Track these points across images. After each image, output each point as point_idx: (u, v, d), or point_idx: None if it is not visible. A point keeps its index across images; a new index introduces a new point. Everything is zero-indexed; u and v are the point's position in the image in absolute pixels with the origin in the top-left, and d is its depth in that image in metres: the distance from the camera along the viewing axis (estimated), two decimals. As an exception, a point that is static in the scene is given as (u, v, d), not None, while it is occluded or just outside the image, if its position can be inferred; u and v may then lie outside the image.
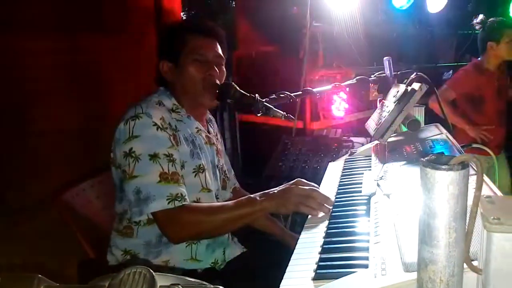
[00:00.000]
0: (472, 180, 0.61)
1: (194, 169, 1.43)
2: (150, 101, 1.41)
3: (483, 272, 0.62)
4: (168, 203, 1.26)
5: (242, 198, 1.34)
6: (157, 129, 1.33)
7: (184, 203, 1.28)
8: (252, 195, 1.33)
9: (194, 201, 1.42)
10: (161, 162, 1.30)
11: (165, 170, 1.29)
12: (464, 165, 0.59)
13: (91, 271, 1.45)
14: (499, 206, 0.63)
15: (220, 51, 1.50)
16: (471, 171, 0.61)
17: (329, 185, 1.54)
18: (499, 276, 0.60)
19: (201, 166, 1.46)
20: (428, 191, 0.60)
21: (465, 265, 0.64)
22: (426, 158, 0.61)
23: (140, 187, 1.28)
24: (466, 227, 0.60)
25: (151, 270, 0.58)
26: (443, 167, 0.58)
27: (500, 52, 2.83)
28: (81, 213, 1.53)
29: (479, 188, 0.60)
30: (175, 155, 1.34)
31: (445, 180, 0.58)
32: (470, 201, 0.62)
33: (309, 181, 1.91)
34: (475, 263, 0.69)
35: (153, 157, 1.29)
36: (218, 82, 1.47)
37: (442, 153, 1.42)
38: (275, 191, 1.31)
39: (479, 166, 0.60)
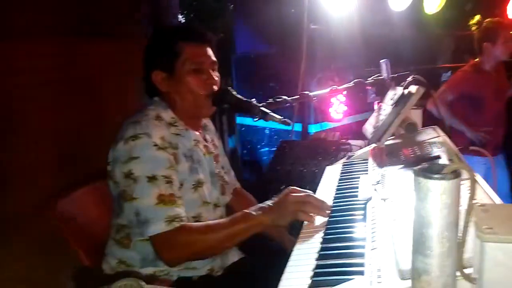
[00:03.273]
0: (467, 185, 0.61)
1: (193, 184, 1.42)
2: (148, 115, 1.38)
3: (477, 281, 0.62)
4: (166, 225, 1.25)
5: (237, 214, 1.33)
6: (157, 150, 1.31)
7: (182, 223, 1.27)
8: (247, 210, 1.31)
9: (195, 217, 1.41)
10: (158, 184, 1.28)
11: (163, 192, 1.28)
12: (456, 174, 0.58)
13: (86, 279, 1.44)
14: (493, 215, 0.62)
15: (213, 56, 1.48)
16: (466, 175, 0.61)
17: (326, 190, 1.54)
18: (493, 285, 0.60)
19: (200, 180, 1.44)
20: (421, 200, 0.59)
21: (458, 274, 0.63)
22: (419, 167, 0.60)
23: (139, 209, 1.27)
24: (460, 236, 0.60)
25: (141, 283, 0.57)
26: (436, 176, 0.57)
27: (496, 53, 2.82)
28: (77, 220, 1.51)
29: (472, 197, 0.59)
30: (173, 176, 1.33)
31: (437, 189, 0.57)
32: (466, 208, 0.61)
33: (307, 184, 1.91)
34: (470, 270, 0.68)
35: (151, 179, 1.28)
36: (216, 88, 1.46)
37: (439, 156, 1.41)
38: (270, 204, 1.29)
39: (472, 175, 0.59)
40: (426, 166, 0.59)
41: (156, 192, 1.27)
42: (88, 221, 1.55)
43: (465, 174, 0.61)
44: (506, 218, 0.63)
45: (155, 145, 1.31)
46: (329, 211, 1.27)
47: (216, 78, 1.47)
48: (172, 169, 1.33)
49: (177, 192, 1.32)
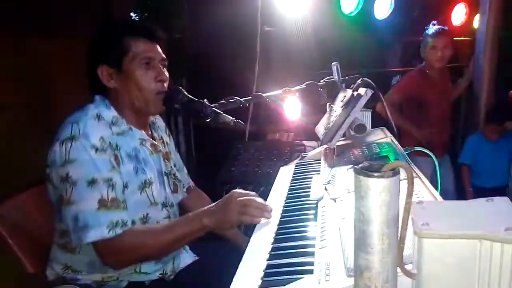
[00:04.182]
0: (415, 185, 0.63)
1: (139, 185, 1.37)
2: (87, 115, 1.31)
3: (416, 276, 0.64)
4: (109, 231, 1.20)
5: (180, 218, 1.34)
6: (95, 152, 1.25)
7: (125, 229, 1.23)
8: (191, 213, 1.31)
9: (142, 218, 1.38)
10: (99, 188, 1.23)
11: (104, 196, 1.22)
12: (395, 172, 0.60)
13: (30, 286, 1.37)
14: (430, 211, 0.65)
15: (163, 54, 1.44)
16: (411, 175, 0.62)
17: (279, 190, 1.55)
18: (430, 280, 0.62)
19: (147, 181, 1.39)
20: (361, 198, 0.60)
21: (399, 270, 0.65)
22: (359, 166, 0.62)
23: (78, 214, 1.21)
24: (399, 233, 0.62)
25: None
26: (375, 174, 0.59)
27: (427, 58, 2.97)
28: (20, 225, 1.43)
29: (409, 194, 0.61)
30: (115, 179, 1.27)
31: (377, 187, 0.59)
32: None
33: (262, 185, 1.92)
34: (410, 266, 0.71)
35: (91, 183, 1.22)
36: (166, 86, 1.43)
37: (386, 156, 1.46)
38: (214, 207, 1.29)
39: (410, 173, 0.61)
40: (366, 165, 0.60)
41: (97, 196, 1.22)
42: (32, 226, 1.47)
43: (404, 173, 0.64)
44: (442, 215, 0.66)
45: (93, 147, 1.25)
46: (271, 212, 1.28)
47: (167, 76, 1.43)
48: (114, 170, 1.28)
49: (120, 196, 1.28)
